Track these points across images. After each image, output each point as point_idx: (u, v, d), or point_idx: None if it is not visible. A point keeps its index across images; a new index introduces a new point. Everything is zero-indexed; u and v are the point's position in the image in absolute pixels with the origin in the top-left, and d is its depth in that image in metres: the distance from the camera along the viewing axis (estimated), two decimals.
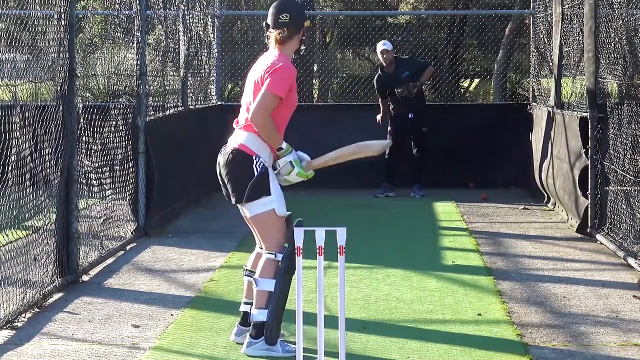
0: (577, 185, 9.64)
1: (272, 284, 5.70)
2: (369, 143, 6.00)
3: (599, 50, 9.25)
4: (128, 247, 9.10)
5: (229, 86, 18.50)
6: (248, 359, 5.69)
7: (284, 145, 5.73)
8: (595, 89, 9.28)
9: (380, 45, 12.79)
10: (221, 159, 5.83)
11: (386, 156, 12.70)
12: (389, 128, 12.74)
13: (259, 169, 5.69)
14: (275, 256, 5.72)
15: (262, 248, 5.85)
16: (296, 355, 4.93)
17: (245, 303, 5.97)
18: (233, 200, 5.77)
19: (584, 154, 9.48)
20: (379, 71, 12.96)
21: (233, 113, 15.01)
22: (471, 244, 9.29)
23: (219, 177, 5.87)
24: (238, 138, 5.80)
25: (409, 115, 12.60)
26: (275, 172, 5.79)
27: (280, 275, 5.69)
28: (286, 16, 5.77)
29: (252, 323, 5.77)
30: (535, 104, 12.47)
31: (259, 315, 5.72)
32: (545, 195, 11.70)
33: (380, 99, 12.95)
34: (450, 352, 5.78)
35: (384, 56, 12.71)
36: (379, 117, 12.88)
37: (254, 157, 5.70)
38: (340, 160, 5.95)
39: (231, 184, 5.76)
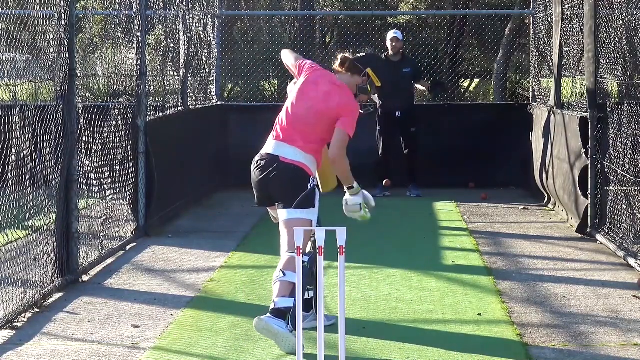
0: (577, 185, 9.64)
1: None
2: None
3: (599, 50, 9.25)
4: (128, 247, 9.10)
5: (229, 86, 18.49)
6: (248, 358, 5.69)
7: (355, 185, 6.20)
8: (595, 89, 9.28)
9: (392, 33, 12.77)
10: (278, 170, 6.04)
11: (380, 155, 12.72)
12: (378, 128, 12.73)
13: (311, 186, 6.06)
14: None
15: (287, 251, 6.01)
16: (296, 356, 4.93)
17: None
18: (281, 205, 6.03)
19: (584, 154, 9.48)
20: (383, 56, 12.86)
21: (233, 113, 15.09)
22: (471, 244, 9.29)
23: (263, 182, 6.09)
24: (296, 156, 6.05)
25: (397, 114, 12.57)
26: (344, 207, 6.29)
27: (304, 274, 5.74)
28: (362, 55, 6.46)
29: (273, 309, 5.83)
30: (535, 104, 12.47)
31: (284, 302, 5.82)
32: (545, 195, 11.70)
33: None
34: (450, 353, 5.78)
35: (394, 44, 12.66)
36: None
37: (311, 177, 6.08)
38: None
39: (284, 192, 6.03)
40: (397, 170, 12.72)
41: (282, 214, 6.07)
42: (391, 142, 12.71)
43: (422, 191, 12.63)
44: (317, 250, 4.89)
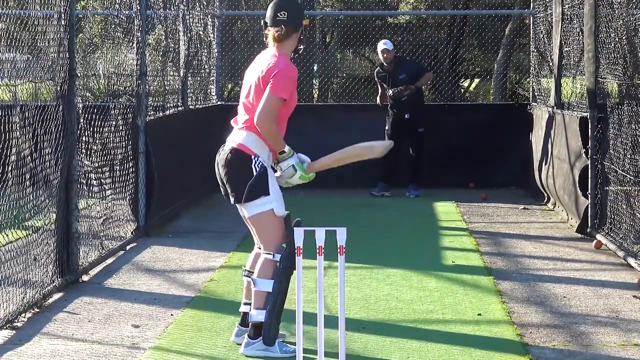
0: (577, 185, 9.65)
1: (270, 285, 5.71)
2: (371, 145, 5.95)
3: (599, 50, 9.25)
4: (128, 247, 9.10)
5: (229, 86, 18.49)
6: (247, 359, 5.69)
7: (287, 148, 5.73)
8: (595, 89, 9.28)
9: (382, 45, 12.87)
10: (220, 158, 5.83)
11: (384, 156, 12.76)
12: (386, 128, 12.79)
13: (257, 169, 5.68)
14: (273, 256, 5.72)
15: (260, 248, 5.85)
16: (296, 355, 4.93)
17: (245, 304, 5.98)
18: (232, 200, 5.76)
19: (584, 154, 9.48)
20: (379, 67, 13.06)
21: (233, 113, 15.06)
22: (471, 244, 9.29)
23: (217, 176, 5.88)
24: (237, 137, 5.78)
25: (405, 116, 12.66)
26: (277, 174, 5.80)
27: (278, 276, 5.69)
28: (284, 14, 5.76)
29: (250, 323, 5.77)
30: (535, 104, 12.47)
31: (258, 315, 5.73)
32: (545, 195, 11.70)
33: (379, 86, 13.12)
34: (450, 352, 5.78)
35: (385, 55, 12.79)
36: (378, 98, 12.98)
37: (252, 157, 5.70)
38: (341, 163, 5.92)
39: (230, 183, 5.76)
40: (399, 170, 12.72)
41: (241, 211, 5.80)
42: (398, 143, 12.72)
43: (422, 191, 12.64)
44: (318, 250, 4.89)
